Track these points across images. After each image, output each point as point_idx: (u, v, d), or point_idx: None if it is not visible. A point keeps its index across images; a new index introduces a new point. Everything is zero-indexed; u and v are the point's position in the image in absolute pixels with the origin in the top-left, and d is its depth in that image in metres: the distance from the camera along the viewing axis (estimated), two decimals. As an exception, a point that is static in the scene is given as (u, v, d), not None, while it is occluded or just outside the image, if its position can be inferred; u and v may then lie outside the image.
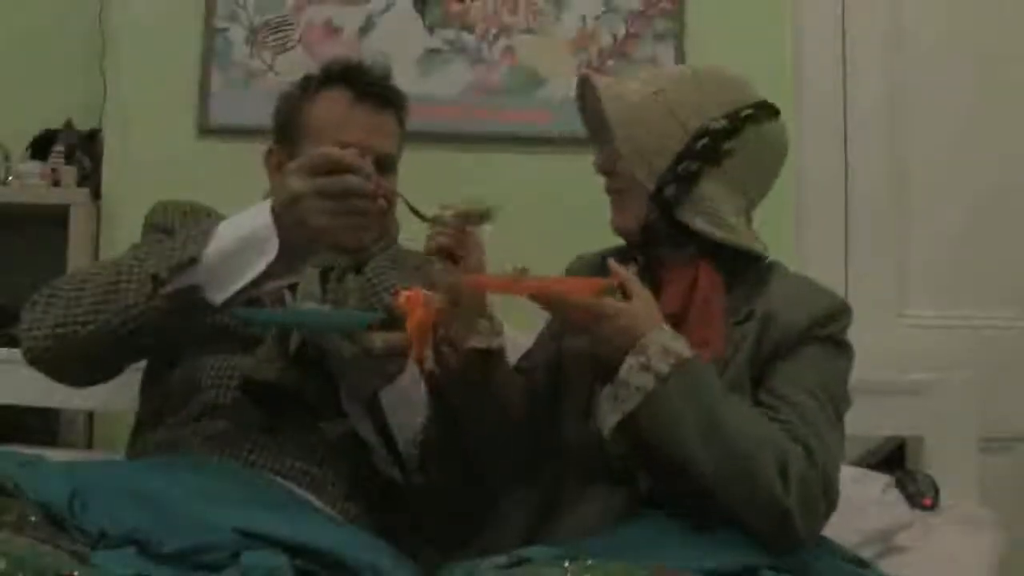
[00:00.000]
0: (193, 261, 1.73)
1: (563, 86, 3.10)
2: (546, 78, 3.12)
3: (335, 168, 1.72)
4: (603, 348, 1.72)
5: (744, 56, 3.11)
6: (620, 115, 1.88)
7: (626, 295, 1.73)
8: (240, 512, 1.58)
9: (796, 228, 3.13)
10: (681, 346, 1.70)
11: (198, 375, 1.97)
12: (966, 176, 3.22)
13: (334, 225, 1.72)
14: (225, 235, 1.75)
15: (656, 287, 1.85)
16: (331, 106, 2.17)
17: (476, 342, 1.79)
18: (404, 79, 2.91)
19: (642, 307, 1.72)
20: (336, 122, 2.14)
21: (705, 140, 1.86)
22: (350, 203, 1.72)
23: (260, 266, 1.74)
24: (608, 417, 1.69)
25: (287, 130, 2.19)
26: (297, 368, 1.94)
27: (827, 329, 1.84)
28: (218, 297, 1.75)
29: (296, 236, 1.73)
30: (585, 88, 1.99)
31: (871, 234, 3.21)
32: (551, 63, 3.13)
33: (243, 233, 1.75)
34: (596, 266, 2.01)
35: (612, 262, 1.80)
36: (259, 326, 1.95)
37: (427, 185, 2.96)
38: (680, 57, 3.13)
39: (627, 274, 1.75)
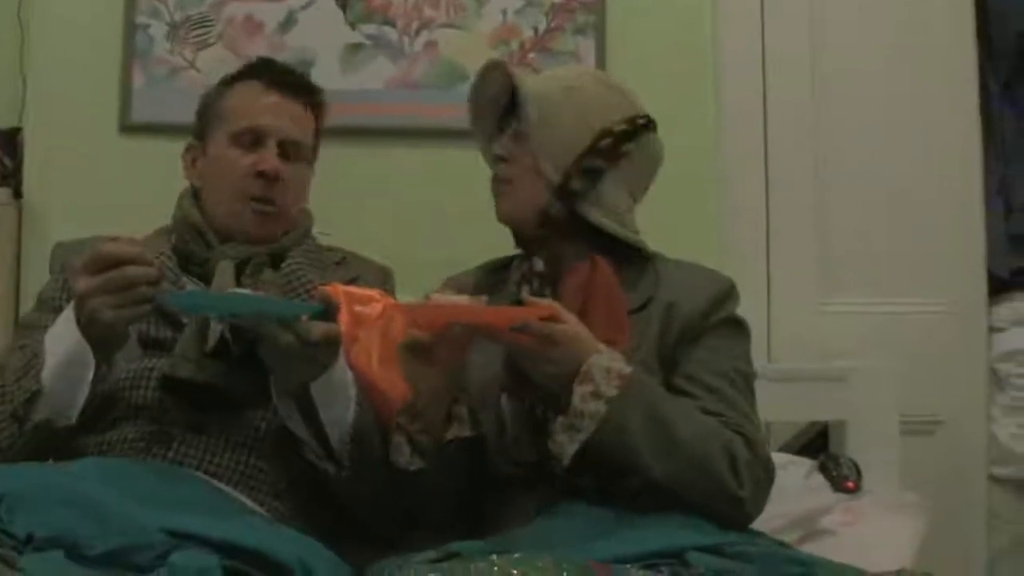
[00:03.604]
0: (37, 394, 1.81)
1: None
2: (468, 72, 3.12)
3: (112, 263, 1.77)
4: (550, 373, 1.76)
5: (665, 50, 3.16)
6: (536, 104, 1.94)
7: (557, 322, 1.75)
8: (169, 512, 1.57)
9: (718, 219, 3.15)
10: (620, 364, 1.76)
11: (118, 380, 1.95)
12: (885, 166, 3.24)
13: (121, 316, 1.78)
14: (53, 353, 1.83)
15: (554, 283, 1.93)
16: (242, 92, 2.20)
17: (456, 431, 1.85)
18: (326, 74, 2.94)
19: (579, 331, 1.77)
20: (245, 107, 2.18)
21: (608, 140, 1.95)
22: (134, 293, 1.77)
23: (87, 383, 1.83)
24: (567, 447, 1.73)
25: (203, 125, 2.22)
26: (218, 362, 1.94)
27: (725, 309, 1.95)
28: (65, 421, 1.84)
29: (92, 333, 1.80)
30: (491, 75, 2.05)
31: (792, 224, 3.24)
32: (472, 57, 3.11)
33: (61, 355, 1.82)
34: (475, 284, 2.04)
35: (528, 297, 1.85)
36: (195, 312, 1.94)
37: (352, 180, 2.99)
38: (601, 51, 3.13)
39: (552, 303, 1.79)
